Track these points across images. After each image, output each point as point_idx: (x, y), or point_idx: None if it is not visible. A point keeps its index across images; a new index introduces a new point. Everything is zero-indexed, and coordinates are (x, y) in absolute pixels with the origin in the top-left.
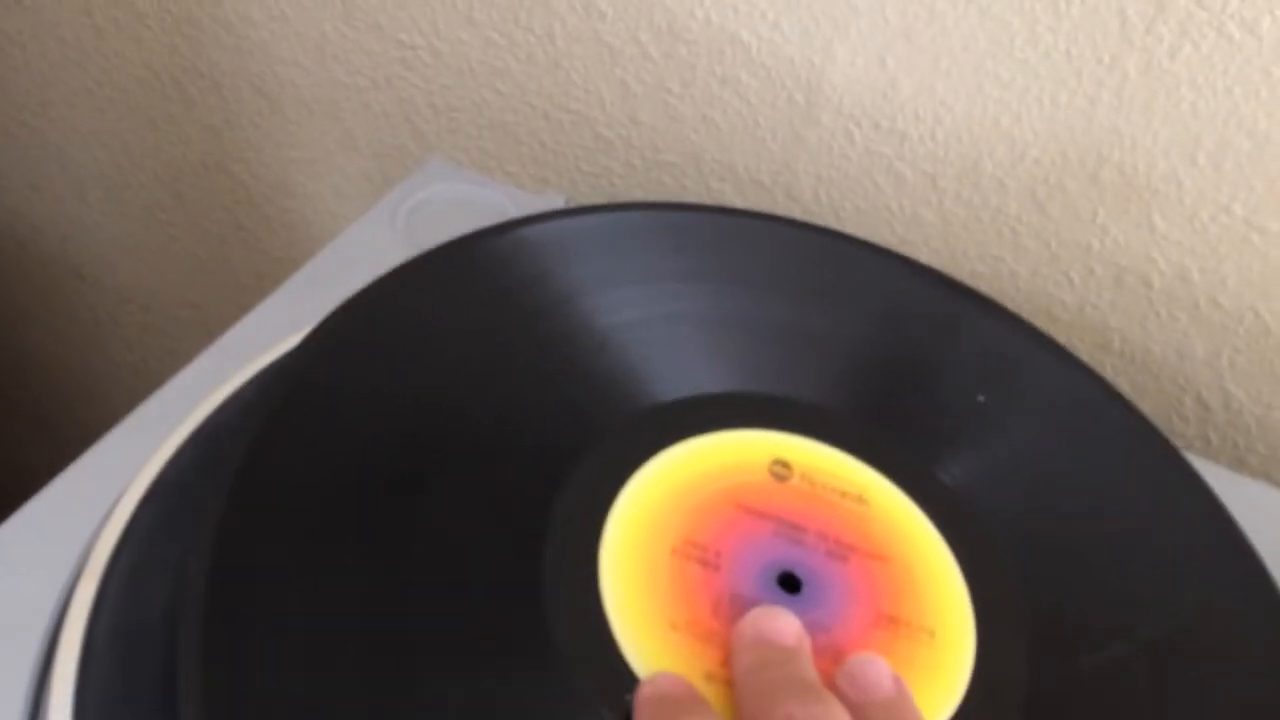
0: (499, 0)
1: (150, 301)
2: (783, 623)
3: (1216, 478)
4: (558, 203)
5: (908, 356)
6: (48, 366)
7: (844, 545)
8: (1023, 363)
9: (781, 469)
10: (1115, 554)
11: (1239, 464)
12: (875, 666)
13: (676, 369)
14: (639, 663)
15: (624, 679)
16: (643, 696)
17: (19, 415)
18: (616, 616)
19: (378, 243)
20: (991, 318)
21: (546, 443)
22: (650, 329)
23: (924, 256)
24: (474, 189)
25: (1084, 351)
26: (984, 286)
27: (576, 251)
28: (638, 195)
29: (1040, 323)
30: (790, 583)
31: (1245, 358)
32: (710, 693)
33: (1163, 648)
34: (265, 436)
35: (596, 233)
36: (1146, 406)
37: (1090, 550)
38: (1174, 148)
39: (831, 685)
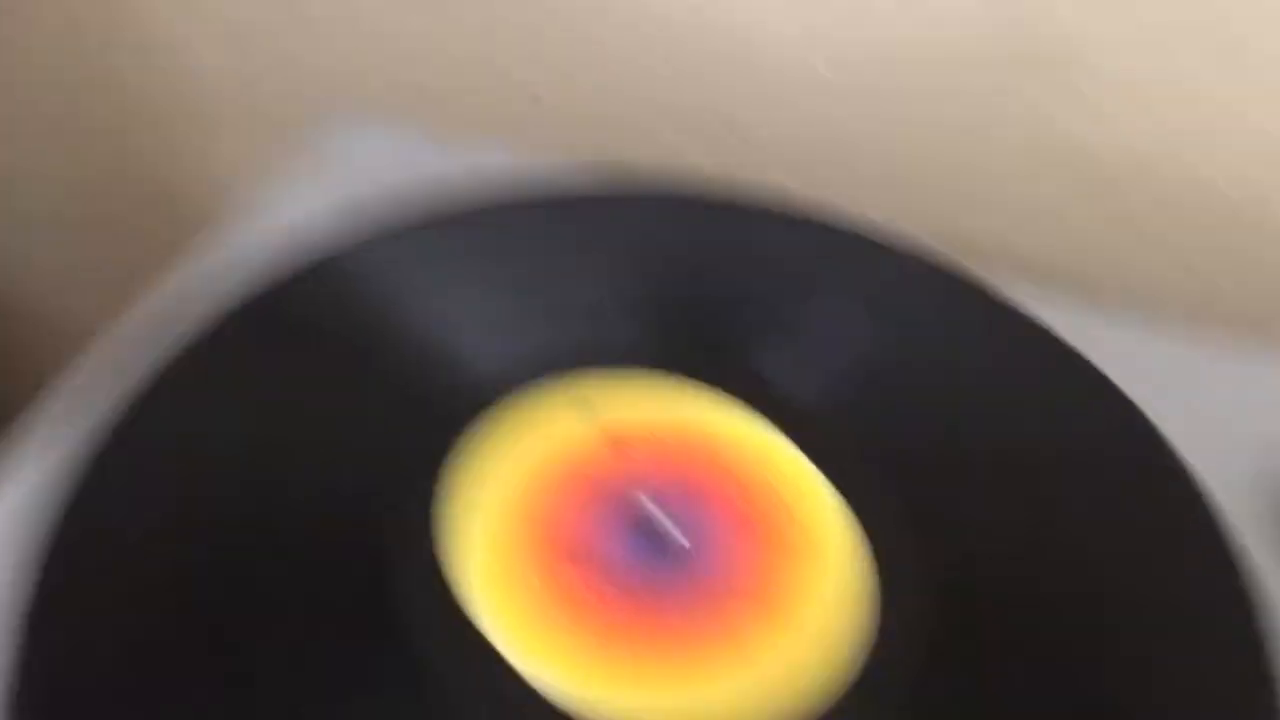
0: None
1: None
2: None
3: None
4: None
5: (714, 287)
6: None
7: (703, 488)
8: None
9: (617, 431)
10: (977, 416)
11: None
12: None
13: (478, 357)
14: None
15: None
16: None
17: None
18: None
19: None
20: (767, 221)
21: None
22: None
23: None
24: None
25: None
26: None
27: (378, 273)
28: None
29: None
30: (660, 544)
31: None
32: None
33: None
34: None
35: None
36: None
37: (957, 420)
38: None
39: None
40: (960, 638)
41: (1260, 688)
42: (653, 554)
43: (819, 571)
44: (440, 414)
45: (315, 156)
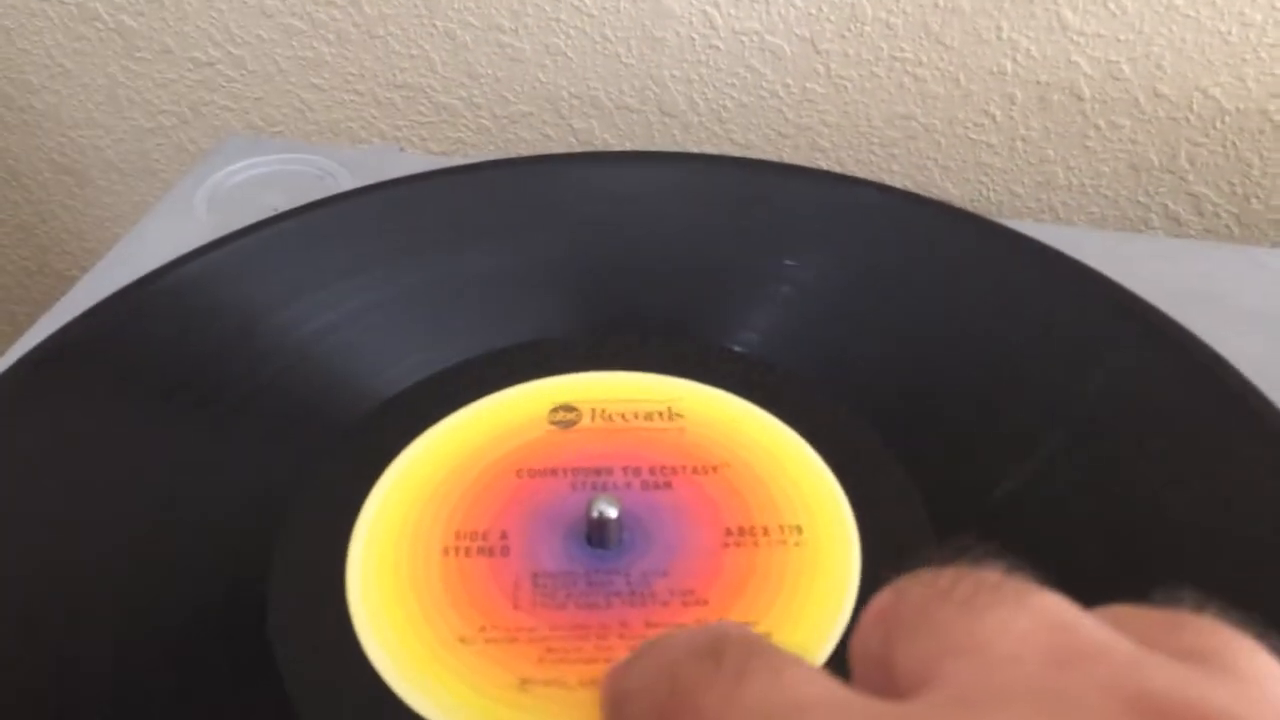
0: None
1: None
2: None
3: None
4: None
5: (673, 252)
6: None
7: (663, 470)
8: (779, 202)
9: (565, 414)
10: (985, 360)
11: None
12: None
13: (409, 349)
14: (423, 701)
15: None
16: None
17: None
18: (381, 653)
19: (176, 232)
20: (734, 172)
21: (263, 476)
22: (368, 319)
23: (824, 138)
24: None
25: (1027, 193)
26: (898, 153)
27: (252, 272)
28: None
29: (970, 175)
30: (605, 534)
31: (1205, 149)
32: (531, 702)
33: (1077, 443)
34: None
35: (259, 250)
36: (1110, 238)
37: (961, 367)
38: None
39: None
40: None
41: None
42: (588, 547)
43: (799, 563)
44: (352, 408)
45: (205, 184)
